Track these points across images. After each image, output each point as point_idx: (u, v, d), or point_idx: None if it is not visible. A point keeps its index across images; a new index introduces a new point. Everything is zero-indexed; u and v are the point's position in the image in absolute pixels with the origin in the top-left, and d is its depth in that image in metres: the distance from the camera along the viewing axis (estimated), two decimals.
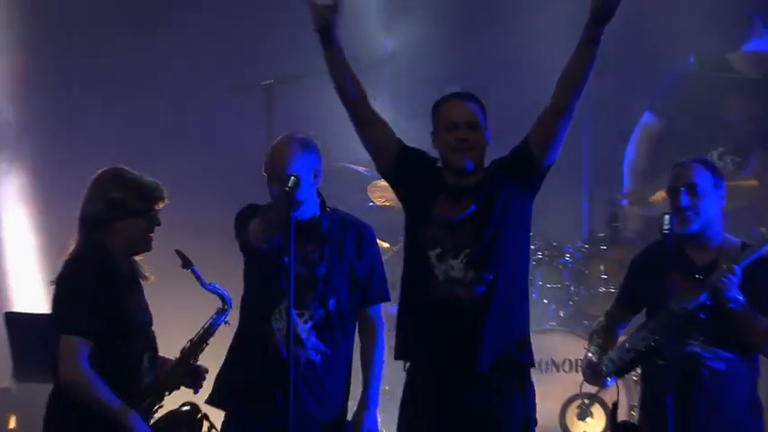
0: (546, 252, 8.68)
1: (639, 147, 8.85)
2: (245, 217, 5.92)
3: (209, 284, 5.57)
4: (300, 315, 5.74)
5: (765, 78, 8.68)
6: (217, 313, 5.57)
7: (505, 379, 5.26)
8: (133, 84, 9.34)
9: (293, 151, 5.80)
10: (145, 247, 5.41)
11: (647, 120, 8.77)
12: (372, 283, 5.84)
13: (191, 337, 5.51)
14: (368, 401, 5.79)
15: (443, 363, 5.31)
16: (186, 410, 5.45)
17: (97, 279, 5.30)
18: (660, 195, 7.87)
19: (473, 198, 5.47)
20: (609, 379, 6.04)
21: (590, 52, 5.30)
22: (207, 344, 5.57)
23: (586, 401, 7.46)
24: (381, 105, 5.96)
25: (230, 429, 5.63)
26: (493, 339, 5.28)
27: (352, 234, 5.91)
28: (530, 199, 5.44)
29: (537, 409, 5.37)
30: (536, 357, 5.77)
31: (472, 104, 5.50)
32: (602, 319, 6.07)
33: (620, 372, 5.94)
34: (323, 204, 5.93)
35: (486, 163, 5.63)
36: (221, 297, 5.59)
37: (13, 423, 8.14)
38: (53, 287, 5.41)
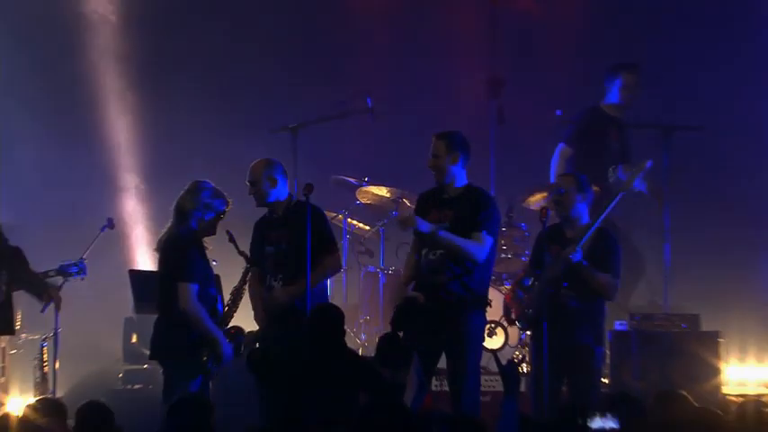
0: None
1: (558, 165, 9.49)
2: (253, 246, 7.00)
3: (242, 251, 6.92)
4: (275, 279, 7.03)
5: (622, 118, 9.61)
6: (245, 268, 6.96)
7: (464, 317, 6.77)
8: (199, 125, 10.64)
9: (257, 167, 7.06)
10: (214, 232, 6.88)
11: (562, 147, 9.54)
12: (320, 243, 6.95)
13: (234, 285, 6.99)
14: (291, 290, 6.91)
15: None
16: (234, 331, 6.94)
17: (194, 248, 6.70)
18: (533, 199, 9.28)
19: (449, 211, 6.88)
20: (522, 333, 8.00)
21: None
22: (245, 290, 7.00)
23: (492, 325, 8.80)
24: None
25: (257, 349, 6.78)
26: (457, 303, 6.76)
27: (302, 217, 6.90)
28: None
29: None
30: None
31: (437, 141, 6.94)
32: (521, 273, 7.64)
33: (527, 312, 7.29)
34: (288, 200, 7.08)
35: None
36: (246, 257, 6.94)
37: (134, 338, 9.61)
38: (157, 253, 6.90)
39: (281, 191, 7.01)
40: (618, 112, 9.56)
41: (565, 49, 10.47)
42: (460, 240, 6.81)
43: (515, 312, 7.38)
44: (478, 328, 6.95)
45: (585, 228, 7.08)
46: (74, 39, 10.73)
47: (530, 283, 7.29)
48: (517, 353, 8.06)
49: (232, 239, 6.81)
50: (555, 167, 9.47)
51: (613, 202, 7.26)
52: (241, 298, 7.01)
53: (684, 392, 5.47)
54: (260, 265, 7.01)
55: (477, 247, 6.82)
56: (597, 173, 8.93)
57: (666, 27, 10.32)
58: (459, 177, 6.88)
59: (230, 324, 7.00)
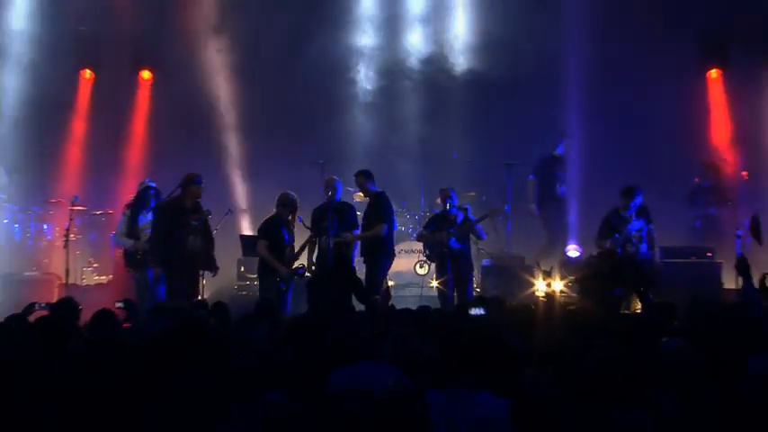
0: (409, 215, 13.64)
1: (530, 186, 12.29)
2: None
3: (308, 226, 10.25)
4: (327, 238, 9.92)
5: (561, 159, 12.41)
6: (311, 234, 10.23)
7: (372, 258, 10.28)
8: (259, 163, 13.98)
9: (332, 181, 10.34)
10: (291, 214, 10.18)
11: (532, 178, 12.48)
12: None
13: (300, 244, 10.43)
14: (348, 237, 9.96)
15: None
16: (297, 266, 10.12)
17: (271, 223, 10.32)
18: (438, 200, 11.39)
19: (370, 206, 10.24)
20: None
21: None
22: (307, 245, 10.19)
23: (422, 260, 12.29)
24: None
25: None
26: (365, 252, 10.27)
27: (345, 209, 10.16)
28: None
29: (405, 264, 12.52)
30: (406, 249, 12.74)
31: (357, 178, 10.29)
32: (422, 233, 11.02)
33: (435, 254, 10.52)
34: (340, 200, 10.30)
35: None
36: (310, 229, 10.09)
37: (242, 269, 12.83)
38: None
39: (340, 195, 10.32)
40: (560, 158, 12.87)
41: (465, 117, 14.03)
42: (366, 234, 9.95)
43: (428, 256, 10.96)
44: (382, 265, 10.33)
45: (464, 220, 10.60)
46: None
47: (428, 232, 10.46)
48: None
49: (301, 221, 10.47)
50: (529, 188, 12.50)
51: (481, 220, 10.53)
52: (304, 249, 10.48)
53: (501, 297, 7.63)
54: (316, 234, 10.19)
55: (379, 229, 9.99)
56: (550, 189, 12.48)
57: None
58: (372, 188, 10.35)
59: (298, 263, 10.29)
